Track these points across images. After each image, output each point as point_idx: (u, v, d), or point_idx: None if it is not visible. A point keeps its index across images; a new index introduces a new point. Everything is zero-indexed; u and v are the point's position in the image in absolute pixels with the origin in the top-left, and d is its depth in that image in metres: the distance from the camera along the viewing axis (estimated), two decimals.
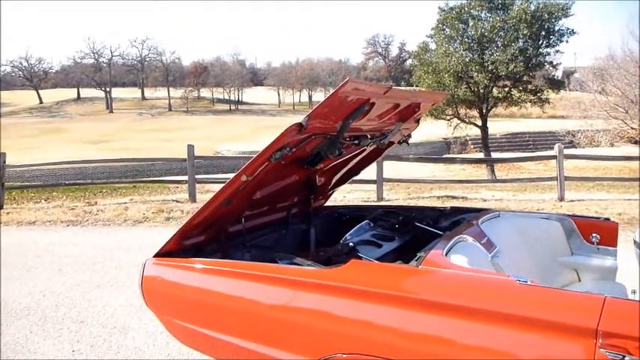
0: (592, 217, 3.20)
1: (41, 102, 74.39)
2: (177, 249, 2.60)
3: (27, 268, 6.03)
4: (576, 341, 1.66)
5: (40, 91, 75.66)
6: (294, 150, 2.37)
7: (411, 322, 1.94)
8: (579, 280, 3.10)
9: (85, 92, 76.47)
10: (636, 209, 8.45)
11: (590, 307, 1.70)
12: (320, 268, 2.26)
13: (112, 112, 69.42)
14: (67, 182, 13.36)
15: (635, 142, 29.29)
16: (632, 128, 23.67)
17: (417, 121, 3.23)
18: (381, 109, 2.64)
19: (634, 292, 2.35)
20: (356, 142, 2.78)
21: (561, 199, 9.77)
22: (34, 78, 77.02)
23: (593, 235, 3.06)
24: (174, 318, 2.63)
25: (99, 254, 6.65)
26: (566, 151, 11.03)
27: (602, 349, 1.61)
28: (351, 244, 2.61)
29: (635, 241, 2.76)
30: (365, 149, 3.10)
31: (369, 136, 2.84)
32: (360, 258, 2.41)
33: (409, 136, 3.31)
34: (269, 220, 3.17)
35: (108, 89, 72.60)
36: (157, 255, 2.62)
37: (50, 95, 76.37)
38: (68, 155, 25.71)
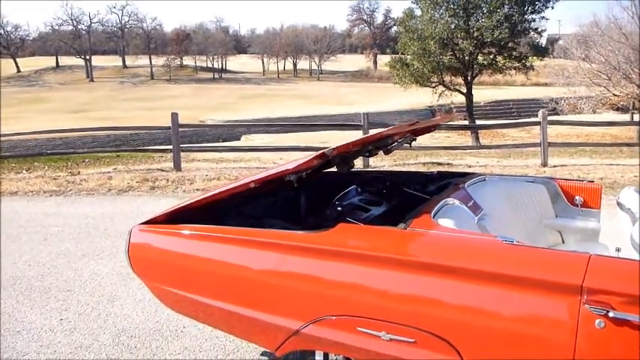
0: (576, 180, 3.23)
1: (19, 71, 72.54)
2: (165, 222, 2.60)
3: (11, 239, 5.97)
4: (561, 298, 1.70)
5: (18, 60, 73.60)
6: (309, 173, 2.48)
7: (399, 283, 1.96)
8: (563, 242, 3.15)
9: (64, 60, 74.61)
10: (617, 174, 8.58)
11: (575, 265, 1.73)
12: (308, 232, 2.27)
13: (93, 81, 68.02)
14: (48, 152, 13.10)
15: (617, 109, 29.63)
16: (615, 95, 23.87)
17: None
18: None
19: (618, 249, 2.39)
20: (366, 154, 3.00)
21: (544, 164, 9.86)
22: (10, 46, 74.60)
23: (577, 197, 3.10)
24: (162, 284, 2.63)
25: (83, 223, 6.60)
26: (550, 118, 11.09)
27: (586, 305, 1.65)
28: (339, 208, 2.62)
29: (618, 203, 2.81)
30: None
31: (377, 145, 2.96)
32: (348, 222, 2.42)
33: (414, 139, 3.32)
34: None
35: (88, 57, 70.80)
36: (144, 223, 2.62)
37: (28, 64, 74.40)
38: (48, 125, 25.20)
